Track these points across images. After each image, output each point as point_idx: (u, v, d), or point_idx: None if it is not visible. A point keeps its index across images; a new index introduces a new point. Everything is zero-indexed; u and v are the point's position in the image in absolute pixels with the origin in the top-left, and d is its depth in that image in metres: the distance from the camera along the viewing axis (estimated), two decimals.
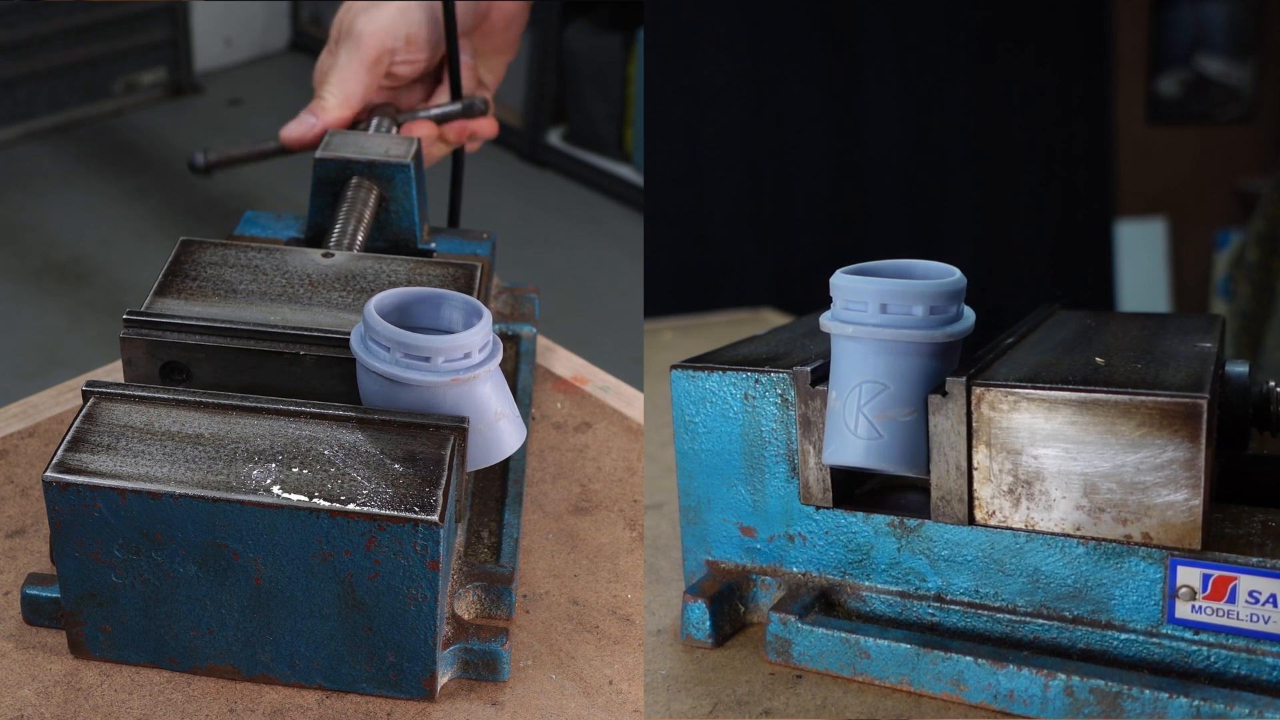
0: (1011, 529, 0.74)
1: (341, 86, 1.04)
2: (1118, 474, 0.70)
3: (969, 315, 0.77)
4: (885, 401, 0.74)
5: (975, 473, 0.74)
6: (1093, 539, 0.72)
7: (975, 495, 0.75)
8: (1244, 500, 0.77)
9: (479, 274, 0.86)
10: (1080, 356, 0.78)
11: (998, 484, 0.74)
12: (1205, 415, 0.68)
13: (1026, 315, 0.91)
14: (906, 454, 0.75)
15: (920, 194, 3.18)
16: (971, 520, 0.75)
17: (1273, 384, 0.81)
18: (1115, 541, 0.71)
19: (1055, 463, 0.72)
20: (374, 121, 1.05)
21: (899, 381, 0.74)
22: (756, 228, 3.03)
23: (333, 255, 0.86)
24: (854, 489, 0.82)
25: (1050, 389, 0.71)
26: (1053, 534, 0.73)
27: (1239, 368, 0.81)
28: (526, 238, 3.10)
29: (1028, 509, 0.74)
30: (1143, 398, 0.69)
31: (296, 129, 1.02)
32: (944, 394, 0.73)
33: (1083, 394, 0.70)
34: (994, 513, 0.75)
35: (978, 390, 0.73)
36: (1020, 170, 3.28)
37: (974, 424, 0.74)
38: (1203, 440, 0.68)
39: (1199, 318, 0.87)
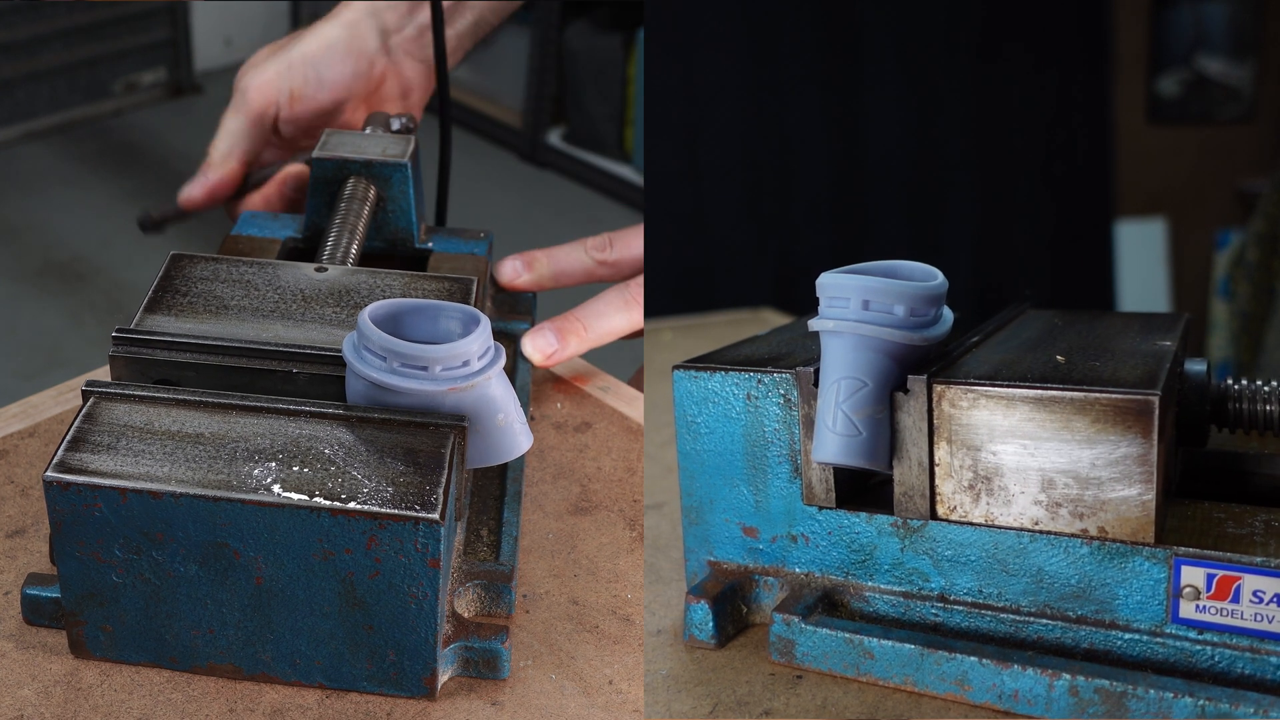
0: (972, 524, 0.75)
1: (226, 142, 1.07)
2: (1074, 469, 0.71)
3: (948, 317, 0.78)
4: (864, 399, 0.74)
5: (936, 469, 0.75)
6: (1052, 533, 0.73)
7: (937, 491, 0.75)
8: (1244, 500, 0.77)
9: (475, 287, 0.85)
10: (1042, 354, 0.78)
11: (958, 480, 0.75)
12: (1157, 412, 0.68)
13: (994, 314, 0.92)
14: (883, 451, 0.75)
15: (920, 194, 3.18)
16: (934, 515, 0.76)
17: (1229, 381, 0.82)
18: (1073, 536, 0.72)
19: (1014, 459, 0.73)
20: (367, 129, 1.05)
21: (877, 379, 0.74)
22: (757, 227, 3.03)
23: (326, 270, 0.86)
24: (860, 487, 0.82)
25: (1008, 386, 0.72)
26: (1010, 528, 0.74)
27: (1197, 366, 0.82)
28: (526, 238, 3.09)
29: (987, 504, 0.74)
30: (1097, 395, 0.70)
31: (190, 190, 1.05)
32: (906, 391, 0.74)
33: (1039, 391, 0.71)
34: (955, 508, 0.75)
35: (938, 388, 0.74)
36: (1020, 170, 3.28)
37: (935, 421, 0.74)
38: (1155, 436, 0.69)
39: (1165, 316, 0.88)
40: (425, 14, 1.13)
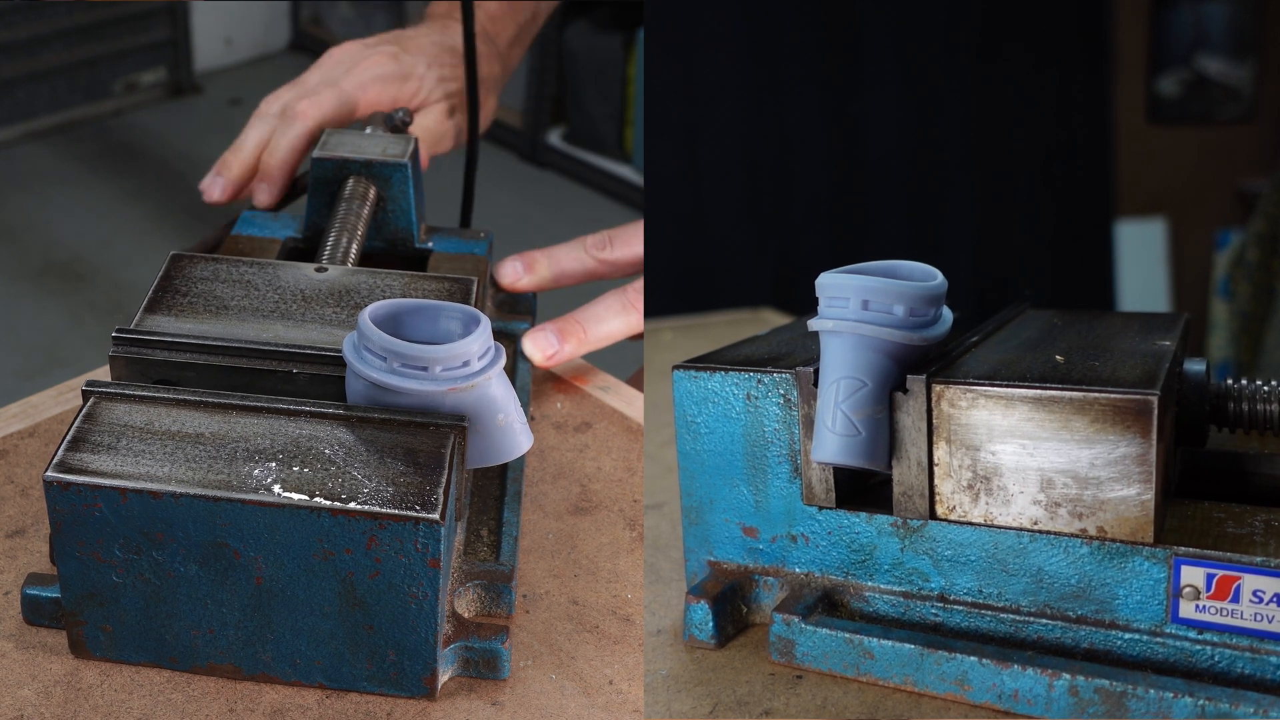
0: (971, 524, 0.75)
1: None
2: (1073, 469, 0.71)
3: (948, 317, 0.78)
4: (863, 398, 0.74)
5: (936, 468, 0.75)
6: (1051, 533, 0.73)
7: (936, 490, 0.76)
8: (1244, 500, 0.77)
9: (475, 287, 0.85)
10: (1041, 354, 0.78)
11: (957, 479, 0.75)
12: (1156, 411, 0.68)
13: (994, 314, 0.92)
14: (882, 451, 0.75)
15: (920, 194, 3.18)
16: (933, 515, 0.76)
17: (1229, 381, 0.82)
18: (1072, 536, 0.72)
19: (1013, 458, 0.73)
20: (368, 129, 1.05)
21: (876, 378, 0.74)
22: (757, 227, 3.03)
23: (326, 270, 0.86)
24: (860, 487, 0.82)
25: (1007, 386, 0.72)
26: (1009, 528, 0.74)
27: (1196, 365, 0.82)
28: (526, 238, 3.10)
29: (986, 504, 0.74)
30: (1096, 394, 0.70)
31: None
32: (905, 391, 0.74)
33: (1038, 391, 0.71)
34: (954, 508, 0.75)
35: (937, 388, 0.74)
36: (1020, 170, 3.28)
37: (934, 420, 0.74)
38: (1154, 436, 0.69)
39: (1164, 316, 0.88)
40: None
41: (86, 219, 3.20)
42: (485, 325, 0.73)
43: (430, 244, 0.99)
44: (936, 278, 0.77)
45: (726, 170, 2.98)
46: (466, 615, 0.78)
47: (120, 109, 3.67)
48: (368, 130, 1.04)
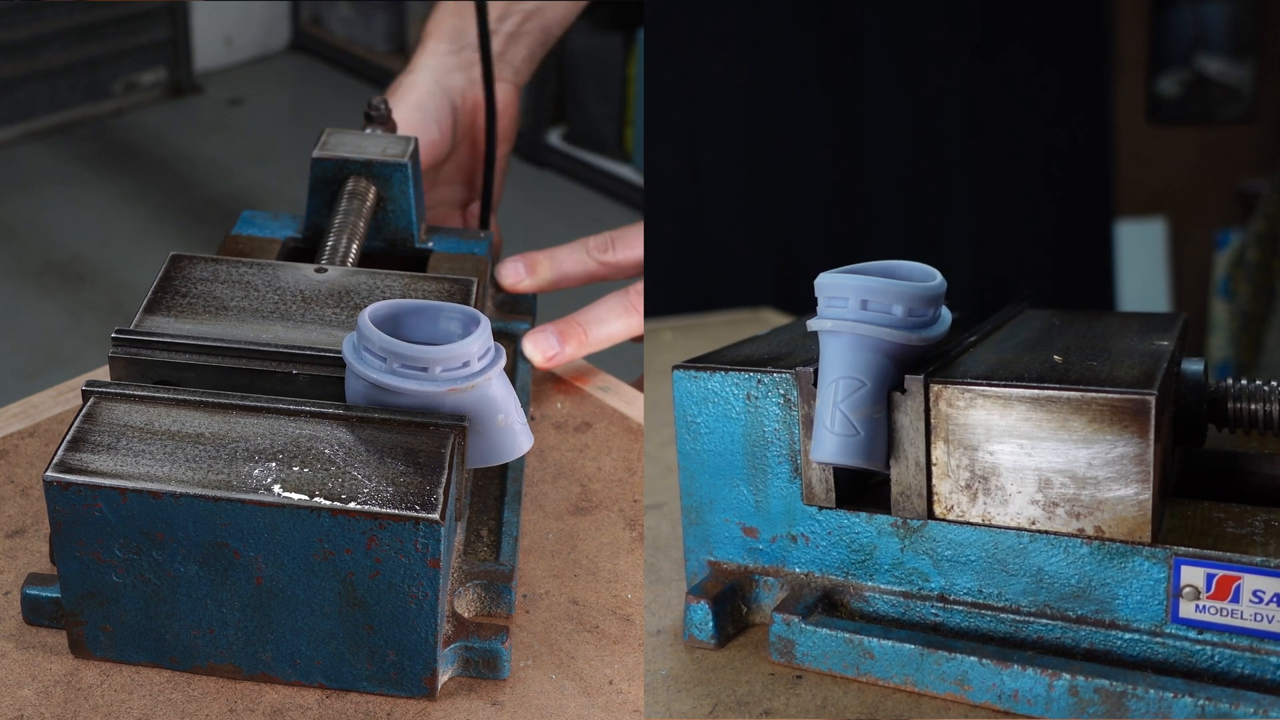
0: (970, 524, 0.75)
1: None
2: (1070, 469, 0.71)
3: (946, 317, 0.78)
4: (862, 398, 0.74)
5: (934, 468, 0.75)
6: (1049, 533, 0.73)
7: (934, 490, 0.76)
8: (1243, 500, 0.77)
9: (475, 288, 0.85)
10: (1039, 354, 0.78)
11: (955, 479, 0.75)
12: (1154, 411, 0.69)
13: (993, 314, 0.92)
14: (881, 451, 0.75)
15: (920, 194, 3.18)
16: (931, 515, 0.76)
17: (1229, 381, 0.82)
18: (1070, 536, 0.72)
19: (1010, 458, 0.73)
20: (367, 129, 1.05)
21: (875, 378, 0.74)
22: (756, 228, 3.03)
23: (326, 271, 0.86)
24: (860, 487, 0.82)
25: (1005, 386, 0.72)
26: (1007, 528, 0.74)
27: (1194, 365, 0.82)
28: (526, 238, 3.10)
29: (984, 504, 0.74)
30: (1094, 394, 0.70)
31: None
32: (903, 391, 0.74)
33: (1036, 391, 0.71)
34: (952, 508, 0.75)
35: (935, 387, 0.74)
36: (1020, 170, 3.28)
37: (932, 420, 0.74)
38: (1151, 436, 0.69)
39: (1163, 316, 0.88)
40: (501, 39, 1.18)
41: (86, 219, 3.20)
42: (485, 326, 0.73)
43: (430, 244, 0.99)
44: (935, 278, 0.77)
45: (726, 170, 2.98)
46: (466, 615, 0.78)
47: (120, 109, 3.67)
48: (367, 130, 1.04)
